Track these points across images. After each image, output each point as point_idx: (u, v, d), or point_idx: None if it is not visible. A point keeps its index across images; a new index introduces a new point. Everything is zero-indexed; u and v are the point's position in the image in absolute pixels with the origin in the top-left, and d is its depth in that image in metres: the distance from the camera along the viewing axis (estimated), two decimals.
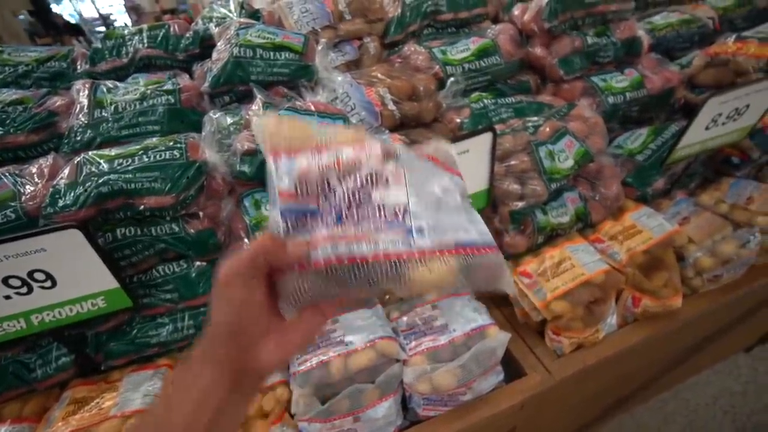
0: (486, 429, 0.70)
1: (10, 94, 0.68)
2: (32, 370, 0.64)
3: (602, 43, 0.97)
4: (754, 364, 1.51)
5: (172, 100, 0.74)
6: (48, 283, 0.56)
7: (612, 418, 1.23)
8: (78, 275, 0.57)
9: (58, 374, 0.65)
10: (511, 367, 0.75)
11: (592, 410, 1.09)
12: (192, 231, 0.63)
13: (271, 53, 0.79)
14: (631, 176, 0.91)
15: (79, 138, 0.67)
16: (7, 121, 0.65)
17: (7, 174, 0.59)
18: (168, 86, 0.77)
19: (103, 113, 0.69)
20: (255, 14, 0.98)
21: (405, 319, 0.74)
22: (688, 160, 0.90)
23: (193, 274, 0.66)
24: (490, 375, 0.70)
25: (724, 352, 1.38)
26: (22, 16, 4.43)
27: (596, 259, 0.78)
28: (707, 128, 0.80)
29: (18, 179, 0.59)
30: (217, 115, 0.70)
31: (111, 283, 0.59)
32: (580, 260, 0.77)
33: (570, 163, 0.79)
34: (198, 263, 0.67)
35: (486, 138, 0.61)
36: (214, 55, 0.83)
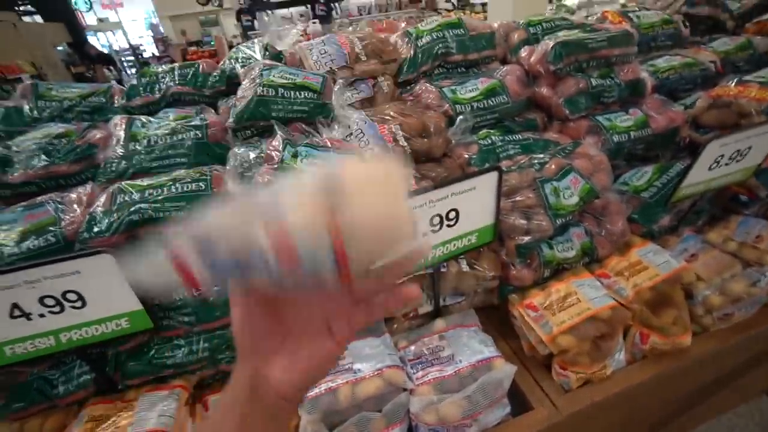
0: None
1: (57, 128, 0.75)
2: (55, 387, 0.67)
3: (606, 84, 1.02)
4: None
5: (200, 135, 0.80)
6: (79, 304, 0.60)
7: None
8: (107, 297, 0.61)
9: (78, 391, 0.68)
10: (518, 400, 0.75)
11: None
12: None
13: (292, 92, 0.85)
14: (636, 213, 0.92)
15: (114, 168, 0.73)
16: (53, 153, 0.71)
17: (50, 201, 0.65)
18: (196, 122, 0.83)
19: (137, 146, 0.76)
20: (278, 55, 1.06)
21: (412, 348, 0.75)
22: (694, 198, 0.92)
23: (211, 299, 0.70)
24: (497, 408, 0.70)
25: (743, 395, 1.33)
26: (60, 48, 4.77)
27: (602, 295, 0.79)
28: (710, 168, 0.82)
29: (59, 206, 0.64)
30: (240, 150, 0.75)
31: (135, 305, 0.63)
32: (587, 295, 0.78)
33: (575, 199, 0.81)
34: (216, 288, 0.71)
35: (492, 176, 0.65)
36: (239, 93, 0.90)
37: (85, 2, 8.19)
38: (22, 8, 6.07)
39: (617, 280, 0.83)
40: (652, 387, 0.79)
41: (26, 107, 0.87)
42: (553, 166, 0.85)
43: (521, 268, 0.81)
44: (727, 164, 0.82)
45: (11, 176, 0.70)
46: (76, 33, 6.15)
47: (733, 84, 0.99)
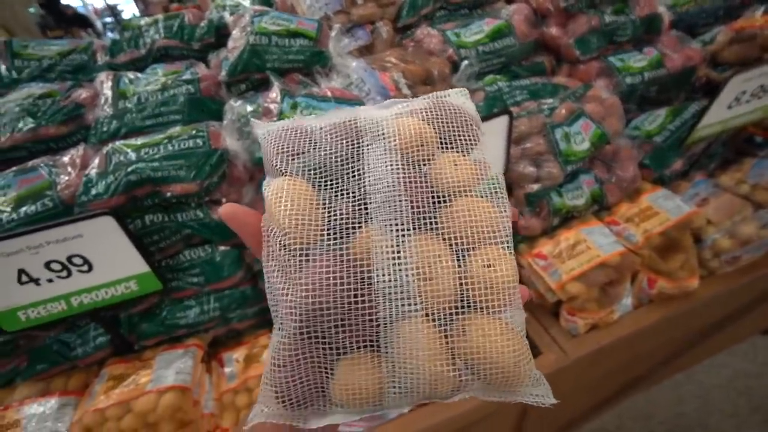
0: (499, 407, 0.72)
1: (39, 88, 0.71)
2: (73, 349, 0.69)
3: (620, 21, 0.95)
4: None
5: (192, 90, 0.75)
6: (85, 268, 0.59)
7: (626, 398, 1.25)
8: (112, 260, 0.60)
9: (96, 352, 0.70)
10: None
11: (605, 390, 1.11)
12: (216, 217, 0.66)
13: (286, 40, 0.80)
14: (648, 158, 0.90)
15: (105, 128, 0.70)
16: (38, 114, 0.67)
17: (42, 165, 0.62)
18: (187, 76, 0.78)
19: (127, 104, 0.72)
20: (268, 1, 0.98)
21: None
22: (708, 141, 0.89)
23: (218, 258, 0.69)
24: None
25: (741, 335, 1.38)
26: (32, 9, 4.48)
27: (612, 241, 0.78)
28: (729, 107, 0.79)
29: (53, 169, 0.62)
30: (237, 104, 0.71)
31: (142, 267, 0.62)
32: (596, 242, 0.78)
33: (586, 145, 0.78)
34: (222, 248, 0.70)
35: (502, 121, 0.62)
36: (230, 44, 0.84)
37: None
38: None
39: (627, 227, 0.82)
40: (658, 329, 0.81)
41: (2, 67, 0.82)
42: (563, 111, 0.81)
43: (530, 217, 0.80)
44: (747, 101, 0.78)
45: None
46: None
47: (760, 14, 0.92)
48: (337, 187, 0.25)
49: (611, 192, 0.85)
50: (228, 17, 0.93)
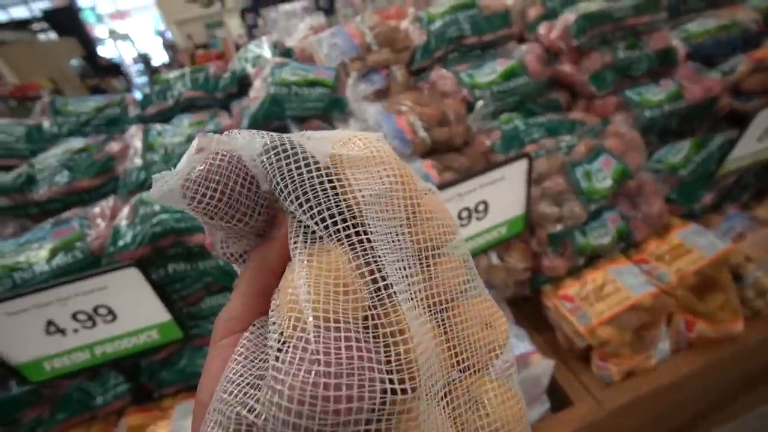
0: None
1: (77, 143, 0.75)
2: (93, 398, 0.69)
3: (634, 56, 0.95)
4: None
5: None
6: (110, 318, 0.60)
7: None
8: (136, 310, 0.61)
9: (116, 401, 0.69)
10: (557, 396, 0.72)
11: None
12: None
13: (305, 89, 0.83)
14: (675, 192, 0.87)
15: (134, 179, 0.73)
16: (74, 168, 0.71)
17: (75, 217, 0.65)
18: (210, 126, 0.82)
19: (154, 156, 0.75)
20: (288, 52, 1.03)
21: None
22: (739, 173, 0.85)
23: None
24: (536, 405, 0.68)
25: None
26: (74, 62, 4.89)
27: (642, 282, 0.75)
28: (760, 140, 0.76)
29: (84, 221, 0.64)
30: None
31: (164, 316, 0.63)
32: (625, 283, 0.74)
33: (608, 182, 0.77)
34: None
35: (521, 164, 0.61)
36: (252, 94, 0.88)
37: (95, 15, 8.36)
38: (36, 26, 6.24)
39: (658, 266, 0.78)
40: (701, 376, 0.75)
41: (46, 124, 0.88)
42: (582, 148, 0.80)
43: (554, 257, 0.77)
44: None
45: (37, 194, 0.71)
46: (88, 46, 6.29)
47: None
48: None
49: (638, 228, 0.82)
50: (250, 68, 0.99)
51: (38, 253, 0.62)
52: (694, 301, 0.75)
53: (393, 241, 0.16)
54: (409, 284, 0.16)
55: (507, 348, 0.19)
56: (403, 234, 0.17)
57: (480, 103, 0.89)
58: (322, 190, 0.16)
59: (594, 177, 0.76)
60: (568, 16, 0.95)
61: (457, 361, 0.17)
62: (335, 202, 0.16)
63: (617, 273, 0.76)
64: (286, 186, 0.16)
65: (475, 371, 0.18)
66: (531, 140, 0.87)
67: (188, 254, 0.66)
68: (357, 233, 0.16)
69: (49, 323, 0.59)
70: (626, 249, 0.83)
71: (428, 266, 0.17)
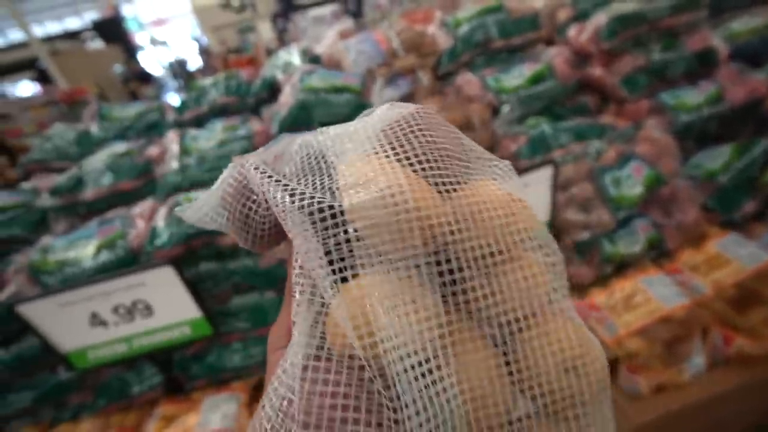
0: None
1: (120, 147, 0.81)
2: (131, 387, 0.73)
3: (670, 58, 0.91)
4: None
5: (246, 145, 0.82)
6: (146, 312, 0.64)
7: None
8: (170, 306, 0.65)
9: (150, 391, 0.74)
10: None
11: None
12: (263, 265, 0.69)
13: (332, 95, 0.85)
14: (713, 200, 0.82)
15: (170, 182, 0.77)
16: (118, 170, 0.76)
17: (117, 217, 0.70)
18: (242, 131, 0.86)
19: (190, 160, 0.79)
20: (316, 59, 1.06)
21: None
22: None
23: (265, 305, 0.72)
24: None
25: None
26: (117, 68, 5.20)
27: (675, 293, 0.72)
28: None
29: (125, 221, 0.69)
30: None
31: (196, 312, 0.66)
32: (656, 293, 0.72)
33: (639, 189, 0.74)
34: (268, 294, 0.73)
35: (546, 171, 0.61)
36: (282, 99, 0.92)
37: (137, 23, 8.85)
38: (86, 35, 6.69)
39: (692, 276, 0.75)
40: (738, 396, 0.71)
41: (93, 129, 0.95)
42: (612, 154, 0.78)
43: (580, 265, 0.75)
44: None
45: (85, 194, 0.77)
46: (131, 53, 6.66)
47: None
48: None
49: (671, 237, 0.79)
50: (280, 75, 1.02)
51: (85, 250, 0.67)
52: (733, 315, 0.71)
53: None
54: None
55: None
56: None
57: (506, 107, 0.89)
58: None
59: (624, 183, 0.74)
60: (600, 18, 0.92)
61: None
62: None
63: (648, 283, 0.73)
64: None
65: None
66: (558, 145, 0.85)
67: (218, 254, 0.69)
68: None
69: (94, 315, 0.64)
70: (658, 258, 0.80)
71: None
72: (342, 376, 0.14)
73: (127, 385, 0.73)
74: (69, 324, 0.63)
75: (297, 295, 0.15)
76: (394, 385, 0.13)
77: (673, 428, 0.71)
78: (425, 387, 0.13)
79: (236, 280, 0.70)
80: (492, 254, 0.14)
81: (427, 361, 0.13)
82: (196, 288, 0.65)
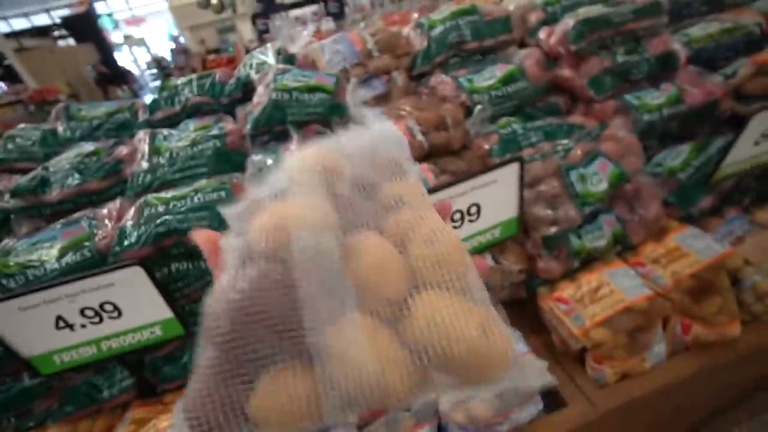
0: None
1: (88, 147, 0.79)
2: (101, 391, 0.71)
3: (634, 61, 0.95)
4: None
5: (218, 144, 0.81)
6: (115, 314, 0.63)
7: None
8: (139, 306, 0.63)
9: (121, 395, 0.72)
10: (550, 397, 0.73)
11: None
12: None
13: (306, 95, 0.85)
14: (673, 196, 0.86)
15: (140, 182, 0.76)
16: (85, 171, 0.75)
17: (84, 218, 0.68)
18: (215, 131, 0.85)
19: (160, 159, 0.78)
20: (291, 59, 1.06)
21: None
22: (739, 176, 0.85)
23: None
24: (529, 405, 0.68)
25: None
26: (89, 67, 5.04)
27: (637, 284, 0.75)
28: (756, 143, 0.76)
29: (92, 222, 0.67)
30: (258, 158, 0.76)
31: (167, 313, 0.65)
32: (620, 285, 0.75)
33: (604, 186, 0.77)
34: None
35: (513, 168, 0.62)
36: (255, 99, 0.91)
37: (111, 21, 8.59)
38: (56, 33, 6.44)
39: (653, 269, 0.78)
40: (697, 381, 0.75)
41: (60, 128, 0.92)
42: (578, 152, 0.81)
43: (549, 260, 0.78)
44: None
45: (49, 195, 0.75)
46: (105, 51, 6.46)
47: None
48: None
49: (634, 232, 0.82)
50: (254, 75, 1.01)
51: (49, 252, 0.65)
52: (690, 305, 0.75)
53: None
54: None
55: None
56: None
57: (479, 107, 0.91)
58: None
59: (589, 180, 0.77)
60: (568, 21, 0.96)
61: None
62: None
63: (612, 275, 0.76)
64: None
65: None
66: (529, 144, 0.88)
67: (190, 254, 0.69)
68: None
69: (59, 318, 0.62)
70: (623, 252, 0.83)
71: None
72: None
73: (96, 390, 0.71)
74: (32, 328, 0.61)
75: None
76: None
77: (638, 414, 0.75)
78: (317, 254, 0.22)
79: (208, 279, 0.69)
80: None
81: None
82: (166, 288, 0.64)
